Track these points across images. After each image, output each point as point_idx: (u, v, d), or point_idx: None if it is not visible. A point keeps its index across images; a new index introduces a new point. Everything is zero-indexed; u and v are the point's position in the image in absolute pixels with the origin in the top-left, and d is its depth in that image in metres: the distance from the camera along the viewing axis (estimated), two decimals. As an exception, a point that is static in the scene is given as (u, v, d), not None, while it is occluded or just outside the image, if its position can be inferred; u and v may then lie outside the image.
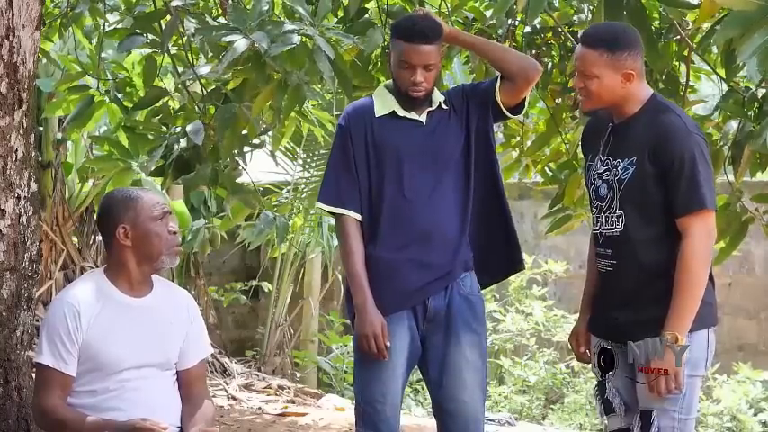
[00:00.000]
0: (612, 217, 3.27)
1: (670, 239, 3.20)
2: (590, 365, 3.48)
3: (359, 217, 3.46)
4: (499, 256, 3.61)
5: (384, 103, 3.50)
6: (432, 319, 3.46)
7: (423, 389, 8.56)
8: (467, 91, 3.58)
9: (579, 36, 3.40)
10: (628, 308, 3.24)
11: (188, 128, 4.73)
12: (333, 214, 3.53)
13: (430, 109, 3.51)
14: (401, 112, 3.48)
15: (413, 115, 3.49)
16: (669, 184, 3.18)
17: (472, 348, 3.47)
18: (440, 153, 3.48)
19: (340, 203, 3.47)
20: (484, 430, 3.53)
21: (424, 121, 3.49)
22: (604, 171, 3.31)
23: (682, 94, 4.75)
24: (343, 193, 3.47)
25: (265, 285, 9.49)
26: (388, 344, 3.38)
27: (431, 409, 8.40)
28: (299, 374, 9.26)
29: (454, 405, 3.46)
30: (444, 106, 3.53)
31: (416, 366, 3.56)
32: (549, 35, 5.17)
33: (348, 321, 3.61)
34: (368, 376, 3.45)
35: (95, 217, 6.34)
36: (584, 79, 3.27)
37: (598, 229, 3.33)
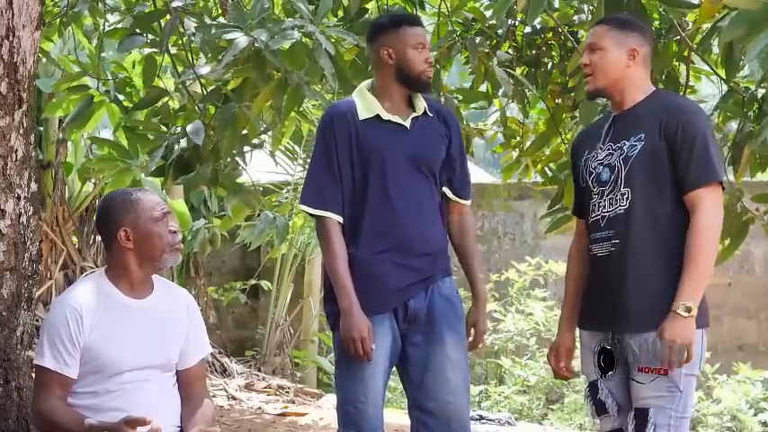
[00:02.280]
0: (617, 196, 3.26)
1: (675, 218, 3.21)
2: (581, 365, 3.47)
3: (341, 219, 3.45)
4: None
5: (367, 106, 3.48)
6: (413, 319, 3.45)
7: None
8: (453, 136, 3.56)
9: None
10: (628, 289, 3.22)
11: (188, 128, 4.74)
12: (314, 216, 3.51)
13: (415, 114, 3.50)
14: (385, 116, 3.47)
15: (396, 119, 3.48)
16: (680, 160, 3.19)
17: (456, 348, 3.46)
18: (422, 158, 3.47)
19: (322, 205, 3.45)
20: (470, 429, 3.51)
21: (408, 126, 3.49)
22: (606, 156, 3.31)
23: (682, 94, 4.75)
24: (326, 195, 3.45)
25: (265, 284, 9.50)
26: (374, 347, 3.37)
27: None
28: (299, 374, 9.27)
29: (435, 404, 3.43)
30: (429, 113, 3.53)
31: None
32: (550, 35, 5.18)
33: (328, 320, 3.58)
34: (349, 377, 3.44)
35: (95, 219, 6.35)
36: (590, 54, 3.31)
37: (597, 215, 3.31)
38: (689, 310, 3.11)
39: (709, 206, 3.17)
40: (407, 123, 3.48)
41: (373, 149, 3.44)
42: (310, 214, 3.53)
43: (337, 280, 3.41)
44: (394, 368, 3.52)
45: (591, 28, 3.40)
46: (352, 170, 3.45)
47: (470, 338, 3.51)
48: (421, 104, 3.52)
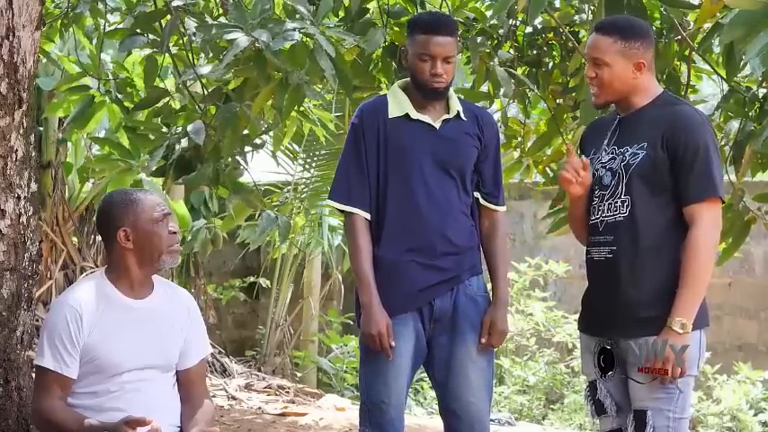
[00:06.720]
0: (617, 203, 3.26)
1: (675, 228, 3.20)
2: (581, 366, 3.47)
3: (368, 216, 3.46)
4: None
5: (398, 104, 3.47)
6: (438, 319, 3.45)
7: (422, 389, 8.56)
8: (486, 141, 3.53)
9: (593, 26, 3.40)
10: (625, 297, 3.22)
11: (189, 128, 4.74)
12: (342, 212, 3.53)
13: (446, 116, 3.48)
14: (414, 115, 3.46)
15: (426, 118, 3.46)
16: (681, 173, 3.18)
17: (479, 349, 3.46)
18: (448, 159, 3.45)
19: (350, 202, 3.46)
20: (489, 430, 3.52)
21: (437, 126, 3.47)
22: (609, 160, 3.31)
23: (683, 94, 4.75)
24: (354, 192, 3.46)
25: (264, 281, 9.50)
26: (393, 344, 3.38)
27: (431, 409, 8.39)
28: (299, 374, 9.26)
29: (459, 405, 3.45)
30: (463, 117, 3.50)
31: (421, 366, 3.55)
32: (550, 35, 5.17)
33: (354, 321, 3.59)
34: (373, 377, 3.45)
35: (95, 219, 6.35)
36: (596, 68, 3.27)
37: (597, 218, 3.31)
38: (684, 326, 3.12)
39: (706, 221, 3.17)
40: (437, 124, 3.47)
41: (399, 148, 3.44)
42: (339, 210, 3.54)
43: (360, 276, 3.42)
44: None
45: (591, 32, 3.36)
46: (378, 168, 3.46)
47: (483, 339, 3.45)
48: (455, 106, 3.50)
